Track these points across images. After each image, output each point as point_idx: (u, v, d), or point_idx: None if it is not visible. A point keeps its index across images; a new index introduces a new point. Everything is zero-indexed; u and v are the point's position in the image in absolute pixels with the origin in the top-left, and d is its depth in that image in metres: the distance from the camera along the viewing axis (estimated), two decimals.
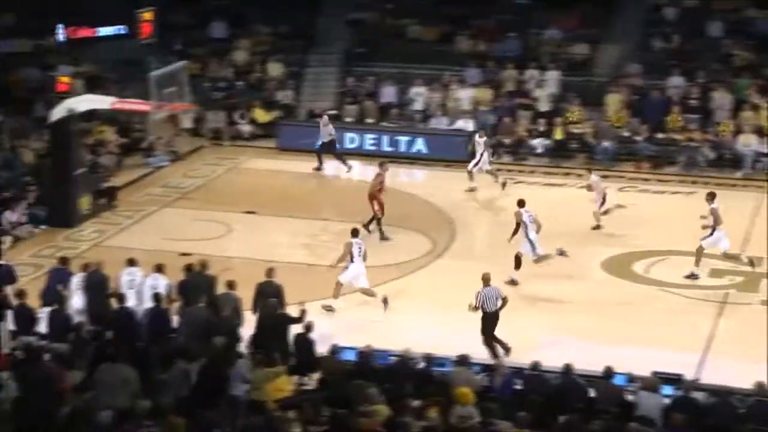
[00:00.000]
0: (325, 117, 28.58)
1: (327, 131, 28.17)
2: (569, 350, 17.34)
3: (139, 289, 17.80)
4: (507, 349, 17.69)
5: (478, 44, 32.88)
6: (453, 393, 14.25)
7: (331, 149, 28.25)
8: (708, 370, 16.98)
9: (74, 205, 24.01)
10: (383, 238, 22.89)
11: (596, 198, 23.78)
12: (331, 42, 34.09)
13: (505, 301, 17.90)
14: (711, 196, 21.46)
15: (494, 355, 17.43)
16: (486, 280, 18.00)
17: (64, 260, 18.98)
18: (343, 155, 28.21)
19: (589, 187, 24.06)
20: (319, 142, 28.23)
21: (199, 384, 14.13)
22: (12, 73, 29.99)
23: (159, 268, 18.09)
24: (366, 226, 22.75)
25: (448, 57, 32.63)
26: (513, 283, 20.40)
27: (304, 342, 16.53)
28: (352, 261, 19.59)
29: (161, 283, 17.72)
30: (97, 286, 17.82)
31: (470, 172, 26.29)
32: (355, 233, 20.07)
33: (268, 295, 17.44)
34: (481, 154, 26.32)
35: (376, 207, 22.94)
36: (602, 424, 13.48)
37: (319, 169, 28.08)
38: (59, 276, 18.30)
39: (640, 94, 30.17)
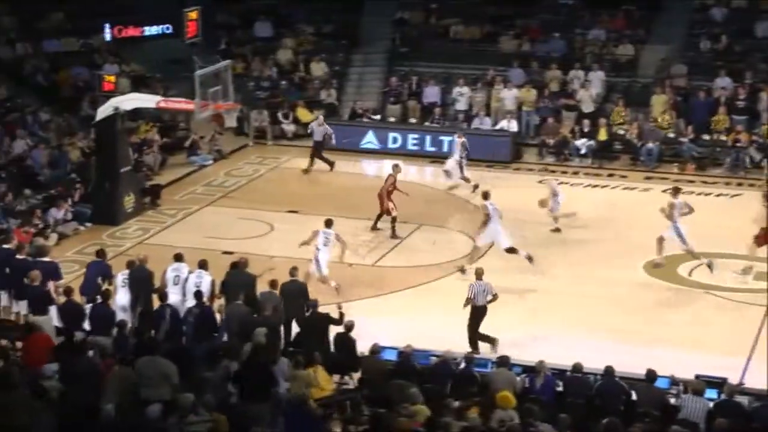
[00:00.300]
0: (320, 117, 28.60)
1: (321, 131, 28.21)
2: (611, 352, 17.28)
3: (184, 285, 17.86)
4: (493, 342, 17.86)
5: (522, 44, 32.76)
6: (494, 397, 14.21)
7: (320, 148, 28.28)
8: (752, 374, 16.78)
9: (119, 203, 24.22)
10: (394, 236, 22.98)
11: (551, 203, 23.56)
12: (375, 41, 34.14)
13: (495, 297, 18.13)
14: (675, 191, 21.94)
15: (475, 349, 17.56)
16: (479, 274, 18.33)
17: (101, 253, 19.12)
18: (327, 157, 28.14)
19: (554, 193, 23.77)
20: (314, 140, 28.26)
21: (240, 380, 14.14)
22: (60, 72, 30.30)
23: (203, 265, 18.11)
24: (374, 225, 23.17)
25: (491, 57, 32.57)
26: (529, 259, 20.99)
27: (345, 341, 16.56)
28: (317, 249, 19.89)
29: (205, 280, 17.74)
30: (142, 282, 17.92)
31: (446, 171, 26.48)
32: (328, 224, 20.33)
33: (293, 295, 17.44)
34: (461, 156, 26.18)
35: (390, 206, 23.01)
36: (643, 427, 13.38)
37: (330, 166, 28.03)
38: (97, 269, 18.47)
39: (686, 95, 29.91)
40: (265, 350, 14.82)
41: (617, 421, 13.12)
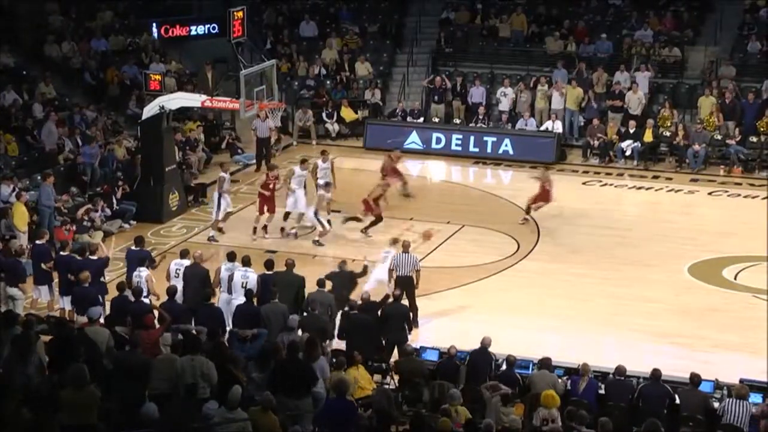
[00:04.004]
0: (265, 112, 28.47)
1: (265, 126, 28.18)
2: (655, 354, 17.19)
3: (229, 283, 17.92)
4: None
5: (568, 45, 32.61)
6: (537, 397, 14.18)
7: (265, 145, 28.27)
8: None
9: (164, 201, 24.40)
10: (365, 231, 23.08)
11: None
12: (420, 41, 34.13)
13: (418, 273, 18.70)
14: None
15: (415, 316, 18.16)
16: (405, 246, 19.14)
17: (139, 240, 19.40)
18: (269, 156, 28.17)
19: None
20: (257, 137, 28.26)
21: (279, 377, 14.17)
22: (107, 71, 30.60)
23: (246, 261, 18.16)
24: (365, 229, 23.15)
25: (537, 57, 32.46)
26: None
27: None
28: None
29: (251, 277, 17.79)
30: (195, 279, 18.00)
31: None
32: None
33: (286, 287, 17.45)
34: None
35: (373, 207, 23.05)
36: None
37: (259, 166, 28.00)
38: (134, 256, 18.72)
39: (734, 97, 29.61)
40: (305, 348, 14.81)
41: (657, 423, 13.02)
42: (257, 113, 25.88)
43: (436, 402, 13.68)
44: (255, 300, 17.14)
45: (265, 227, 23.12)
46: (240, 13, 25.05)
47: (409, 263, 18.89)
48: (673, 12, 32.72)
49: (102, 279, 18.41)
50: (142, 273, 17.94)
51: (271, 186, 23.12)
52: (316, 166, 24.17)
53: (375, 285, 19.31)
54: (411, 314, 17.94)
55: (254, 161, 28.81)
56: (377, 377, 15.80)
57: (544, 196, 23.84)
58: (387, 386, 14.98)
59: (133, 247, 19.33)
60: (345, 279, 18.27)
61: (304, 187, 23.36)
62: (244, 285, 17.58)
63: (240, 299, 17.36)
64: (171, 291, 17.04)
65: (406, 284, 18.54)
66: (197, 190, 26.05)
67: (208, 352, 14.39)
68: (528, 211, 23.89)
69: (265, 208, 23.18)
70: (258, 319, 16.51)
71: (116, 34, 32.02)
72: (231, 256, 18.39)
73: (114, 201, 24.25)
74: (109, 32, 31.99)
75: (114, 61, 30.98)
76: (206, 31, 30.93)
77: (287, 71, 32.36)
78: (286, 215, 23.37)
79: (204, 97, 25.23)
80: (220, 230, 23.32)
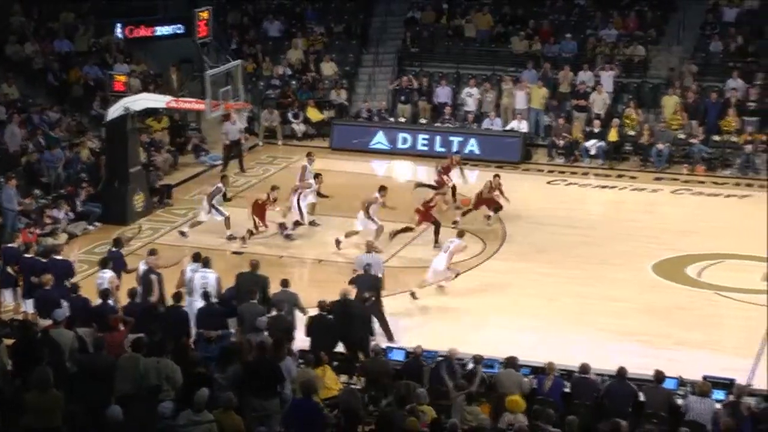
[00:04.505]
0: (234, 115, 28.48)
1: (236, 129, 28.21)
2: (619, 353, 17.28)
3: (190, 285, 17.87)
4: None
5: (533, 44, 32.74)
6: (503, 398, 14.24)
7: (236, 149, 28.29)
8: (760, 375, 16.75)
9: (128, 202, 24.28)
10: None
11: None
12: (385, 41, 34.17)
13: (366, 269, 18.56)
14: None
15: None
16: (369, 246, 19.62)
17: (117, 242, 19.40)
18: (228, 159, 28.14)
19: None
20: (228, 140, 28.17)
21: (247, 378, 14.15)
22: (70, 72, 30.40)
23: (206, 262, 18.08)
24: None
25: (502, 57, 32.57)
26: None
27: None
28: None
29: (211, 278, 17.75)
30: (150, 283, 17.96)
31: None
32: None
33: (248, 288, 17.40)
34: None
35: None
36: (651, 429, 13.37)
37: (223, 167, 27.90)
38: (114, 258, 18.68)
39: (697, 96, 29.85)
40: (272, 348, 14.81)
41: (619, 422, 13.11)
42: (225, 116, 25.80)
43: (403, 401, 13.69)
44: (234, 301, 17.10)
45: (250, 231, 22.75)
46: (205, 14, 25.03)
47: (376, 264, 18.92)
48: (637, 12, 32.93)
49: (67, 282, 18.27)
50: (105, 275, 17.85)
51: (268, 206, 22.72)
52: (304, 168, 24.12)
53: (432, 275, 19.73)
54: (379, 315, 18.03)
55: (220, 162, 28.69)
56: (344, 377, 15.81)
57: (489, 202, 23.87)
58: (353, 386, 14.97)
59: (113, 249, 19.21)
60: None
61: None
62: (203, 286, 17.52)
63: (199, 301, 17.30)
64: (131, 293, 17.01)
65: (362, 283, 18.44)
66: (162, 191, 25.94)
67: (172, 353, 14.34)
68: (465, 212, 23.85)
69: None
70: (222, 321, 16.48)
71: (80, 34, 31.81)
72: (196, 257, 18.34)
73: (78, 203, 24.10)
74: (72, 33, 31.78)
75: (77, 62, 30.79)
76: (171, 32, 30.76)
77: (253, 71, 32.29)
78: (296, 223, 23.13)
79: (169, 97, 25.13)
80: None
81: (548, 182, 27.06)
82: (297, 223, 23.05)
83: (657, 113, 30.08)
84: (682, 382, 15.43)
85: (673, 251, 22.30)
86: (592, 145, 29.17)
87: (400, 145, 30.04)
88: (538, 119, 30.54)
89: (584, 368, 15.39)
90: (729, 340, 18.63)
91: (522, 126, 29.85)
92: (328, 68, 33.08)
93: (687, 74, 30.55)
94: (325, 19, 34.93)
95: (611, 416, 13.75)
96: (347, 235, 22.21)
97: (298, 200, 23.00)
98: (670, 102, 29.70)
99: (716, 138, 28.95)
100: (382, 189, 22.51)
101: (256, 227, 22.52)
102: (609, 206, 26.23)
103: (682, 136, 29.03)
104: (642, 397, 14.95)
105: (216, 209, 22.96)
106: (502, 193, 23.94)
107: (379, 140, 30.24)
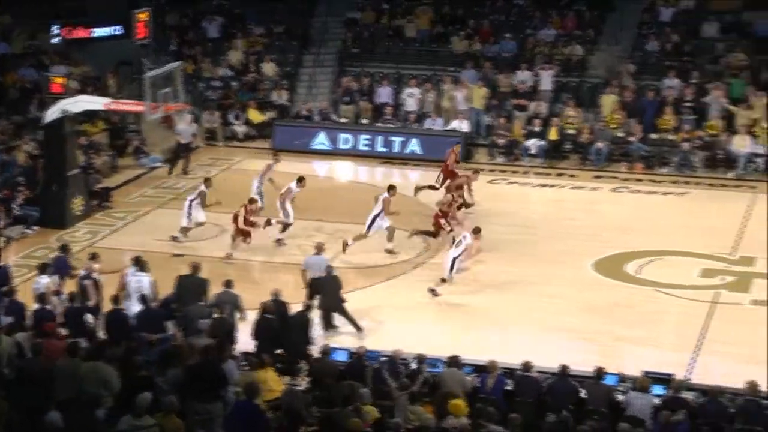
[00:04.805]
0: (188, 116, 28.33)
1: (190, 131, 28.14)
2: (561, 350, 17.42)
3: (127, 289, 17.74)
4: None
5: (473, 44, 32.89)
6: (445, 398, 14.29)
7: (187, 151, 28.25)
8: (699, 370, 16.98)
9: (67, 206, 24.00)
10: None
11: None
12: (326, 42, 34.14)
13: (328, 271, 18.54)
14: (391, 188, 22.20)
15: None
16: (318, 248, 19.40)
17: (64, 248, 19.28)
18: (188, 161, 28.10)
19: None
20: (183, 142, 28.15)
21: (189, 380, 14.07)
22: (7, 74, 29.99)
23: (141, 266, 17.90)
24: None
25: (443, 57, 32.69)
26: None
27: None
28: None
29: (145, 281, 17.61)
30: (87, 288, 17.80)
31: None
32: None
33: (191, 290, 17.38)
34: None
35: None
36: (592, 425, 13.50)
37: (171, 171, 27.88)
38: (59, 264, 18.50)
39: (635, 95, 30.19)
40: (214, 350, 14.75)
41: (566, 419, 13.23)
42: (164, 118, 25.59)
43: (346, 402, 13.69)
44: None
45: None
46: (144, 15, 24.87)
47: (318, 265, 18.94)
48: (576, 12, 33.21)
49: (4, 287, 18.01)
50: (42, 280, 17.66)
51: (249, 220, 22.10)
52: (269, 167, 24.18)
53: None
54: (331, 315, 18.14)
55: (160, 165, 28.48)
56: (287, 379, 15.76)
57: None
58: (296, 387, 14.94)
59: (59, 254, 19.04)
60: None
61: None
62: (138, 290, 17.39)
63: (136, 305, 17.16)
64: (70, 297, 16.91)
65: (318, 286, 18.56)
66: (101, 194, 25.68)
67: (113, 358, 14.22)
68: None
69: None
70: (160, 324, 16.38)
71: (16, 35, 31.37)
72: (135, 261, 18.20)
73: (15, 206, 23.77)
74: (8, 34, 31.35)
75: (13, 65, 30.37)
76: (110, 33, 30.49)
77: (192, 72, 32.07)
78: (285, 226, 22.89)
79: (108, 99, 24.89)
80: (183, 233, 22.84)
81: (489, 181, 27.17)
82: (285, 226, 22.84)
83: (596, 112, 30.37)
84: (622, 379, 15.58)
85: (613, 249, 22.50)
86: (532, 144, 29.39)
87: (341, 146, 30.03)
88: (478, 119, 30.68)
89: (527, 366, 15.51)
90: (668, 335, 18.87)
91: (463, 126, 29.97)
92: (269, 69, 32.97)
93: (625, 73, 30.89)
94: (266, 19, 34.81)
95: (553, 413, 13.90)
96: (355, 239, 22.02)
97: (282, 202, 22.73)
98: (608, 101, 30.01)
99: (654, 136, 29.29)
100: (391, 188, 22.34)
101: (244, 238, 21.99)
102: (549, 205, 26.41)
103: (621, 135, 29.33)
104: (583, 394, 15.09)
105: (191, 214, 22.65)
106: (470, 190, 24.05)
107: (321, 141, 30.21)
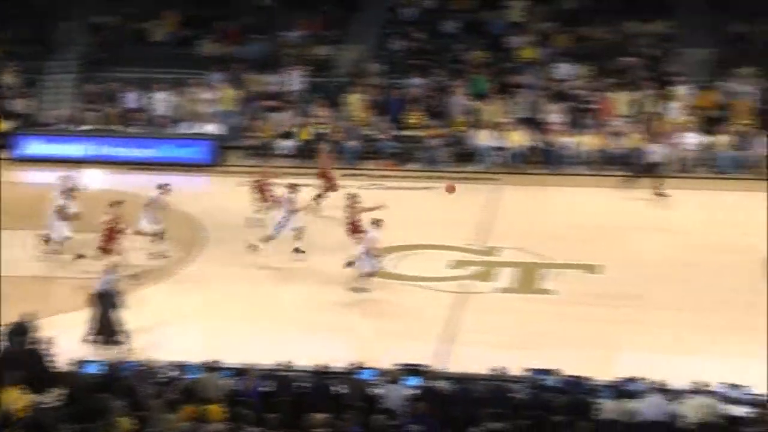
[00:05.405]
0: None
1: None
2: (319, 347, 17.58)
3: None
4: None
5: (221, 47, 32.72)
6: (207, 399, 14.18)
7: None
8: (453, 359, 17.46)
9: None
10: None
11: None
12: (71, 47, 33.14)
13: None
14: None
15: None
16: (109, 268, 18.73)
17: None
18: None
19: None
20: None
21: None
22: None
23: None
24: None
25: (191, 60, 32.36)
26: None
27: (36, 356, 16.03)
28: None
29: None
30: None
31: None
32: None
33: None
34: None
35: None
36: (350, 419, 13.72)
37: None
38: None
39: (381, 94, 30.82)
40: None
41: (324, 417, 13.39)
42: None
43: (100, 415, 13.37)
44: None
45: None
46: None
47: (107, 281, 18.26)
48: (322, 12, 33.57)
49: None
50: None
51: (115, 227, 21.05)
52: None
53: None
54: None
55: None
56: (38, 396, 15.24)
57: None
58: (46, 404, 14.46)
59: None
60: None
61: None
62: None
63: None
64: None
65: (98, 299, 18.03)
66: None
67: None
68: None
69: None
70: None
71: None
72: None
73: None
74: None
75: None
76: None
77: None
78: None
79: None
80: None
81: (241, 184, 27.07)
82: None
83: (345, 111, 30.79)
84: (379, 372, 15.89)
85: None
86: (285, 144, 29.50)
87: (90, 153, 29.24)
88: (229, 121, 30.55)
89: (285, 366, 15.59)
90: (422, 327, 19.27)
91: (213, 128, 29.78)
92: (10, 76, 31.70)
93: (371, 72, 31.49)
94: (6, 24, 33.42)
95: (311, 411, 14.05)
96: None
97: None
98: (355, 100, 30.51)
99: (401, 133, 29.98)
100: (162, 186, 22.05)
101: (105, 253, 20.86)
102: (305, 204, 26.51)
103: (370, 133, 29.88)
104: (340, 390, 15.29)
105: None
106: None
107: (69, 149, 29.32)
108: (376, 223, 20.72)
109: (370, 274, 20.49)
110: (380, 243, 20.70)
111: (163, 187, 22.29)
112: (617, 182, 26.81)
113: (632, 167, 27.12)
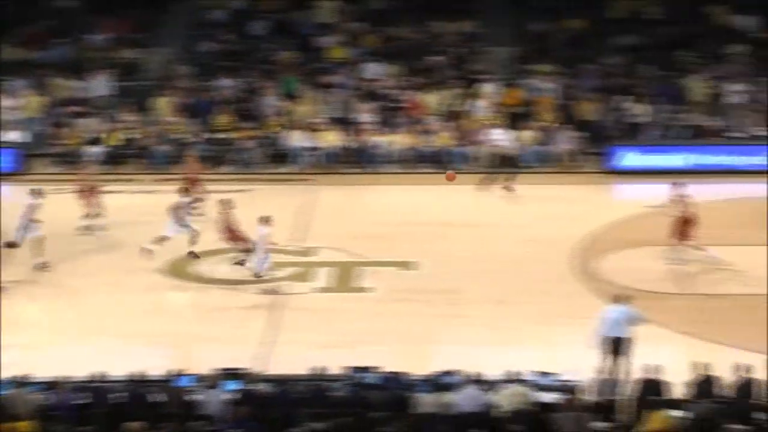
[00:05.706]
0: None
1: None
2: (138, 356, 17.20)
3: None
4: None
5: (23, 51, 31.70)
6: (12, 426, 13.76)
7: None
8: (272, 361, 17.38)
9: None
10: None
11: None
12: None
13: None
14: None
15: None
16: None
17: None
18: None
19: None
20: None
21: None
22: None
23: None
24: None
25: None
26: None
27: None
28: None
29: None
30: None
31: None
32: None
33: None
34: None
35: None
36: (166, 427, 13.52)
37: None
38: None
39: (191, 96, 30.47)
40: None
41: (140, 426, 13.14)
42: None
43: None
44: None
45: None
46: None
47: None
48: (128, 15, 32.96)
49: None
50: None
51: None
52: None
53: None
54: None
55: None
56: None
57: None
58: None
59: None
60: None
61: None
62: None
63: None
64: None
65: None
66: None
67: None
68: None
69: None
70: None
71: None
72: None
73: None
74: None
75: None
76: None
77: None
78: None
79: None
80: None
81: (51, 191, 26.23)
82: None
83: (154, 115, 30.29)
84: (197, 378, 15.71)
85: (179, 250, 22.49)
86: (93, 150, 28.82)
87: None
88: (34, 128, 29.61)
89: (98, 377, 15.25)
90: (242, 331, 19.11)
91: (19, 136, 28.87)
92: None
93: (179, 75, 31.10)
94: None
95: (129, 421, 13.77)
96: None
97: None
98: (165, 103, 30.07)
99: (213, 136, 29.69)
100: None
101: None
102: (116, 212, 25.86)
103: (181, 136, 29.49)
104: (158, 398, 15.03)
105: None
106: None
107: None
108: (265, 220, 20.62)
109: (260, 273, 20.44)
110: (272, 238, 20.74)
111: None
112: (479, 180, 26.88)
113: (489, 164, 27.38)
